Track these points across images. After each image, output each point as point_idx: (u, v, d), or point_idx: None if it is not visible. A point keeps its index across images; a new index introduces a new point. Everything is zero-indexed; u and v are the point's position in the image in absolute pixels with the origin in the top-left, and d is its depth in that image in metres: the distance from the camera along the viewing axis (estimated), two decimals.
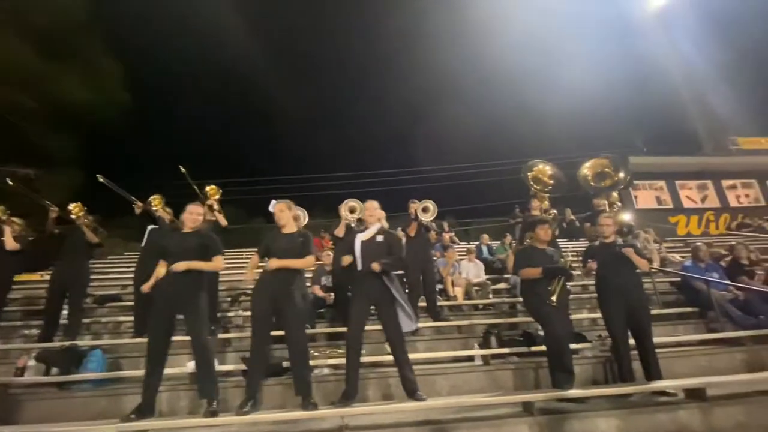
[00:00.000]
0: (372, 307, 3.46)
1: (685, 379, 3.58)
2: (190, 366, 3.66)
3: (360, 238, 3.46)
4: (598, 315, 4.09)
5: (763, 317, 4.67)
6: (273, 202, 4.83)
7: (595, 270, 3.79)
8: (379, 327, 3.47)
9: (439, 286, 5.95)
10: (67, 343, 4.17)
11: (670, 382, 3.45)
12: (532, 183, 5.64)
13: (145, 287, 3.26)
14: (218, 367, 3.89)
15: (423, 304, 5.15)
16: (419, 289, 5.09)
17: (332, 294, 5.10)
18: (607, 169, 6.14)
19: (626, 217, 7.57)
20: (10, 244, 4.70)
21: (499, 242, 8.75)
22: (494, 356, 4.26)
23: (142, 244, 5.14)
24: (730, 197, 16.24)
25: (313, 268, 5.33)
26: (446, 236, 8.02)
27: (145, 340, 4.47)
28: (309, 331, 4.71)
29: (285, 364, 3.87)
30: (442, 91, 31.95)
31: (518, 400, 3.24)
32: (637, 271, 3.79)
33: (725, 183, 16.35)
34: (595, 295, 3.99)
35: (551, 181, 5.57)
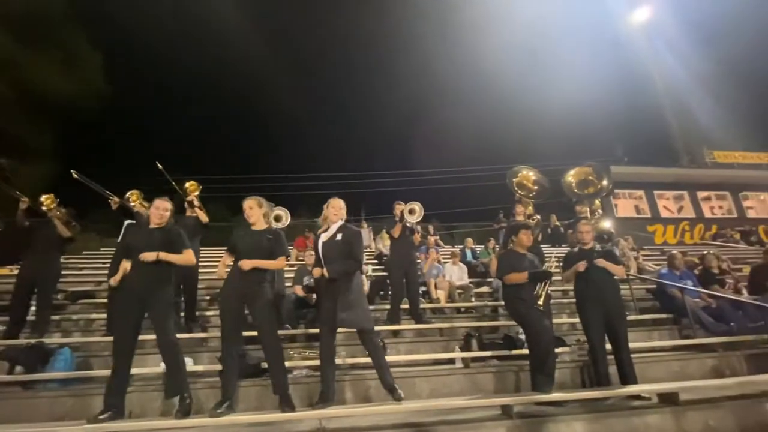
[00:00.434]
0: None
1: (659, 384, 3.65)
2: (163, 366, 3.55)
3: (321, 238, 3.39)
4: (577, 320, 4.15)
5: (734, 324, 4.82)
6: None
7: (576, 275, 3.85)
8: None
9: (422, 289, 5.96)
10: (33, 341, 3.99)
11: (645, 387, 3.51)
12: (516, 188, 5.71)
13: (113, 280, 3.16)
14: (194, 367, 3.81)
15: (406, 306, 5.14)
16: (402, 291, 5.07)
17: (314, 294, 5.03)
18: (590, 177, 6.28)
19: (606, 224, 7.75)
20: None
21: (482, 246, 8.83)
22: (475, 359, 4.27)
23: (119, 240, 4.98)
24: (705, 208, 16.81)
25: (294, 268, 5.25)
26: (431, 239, 8.05)
27: None
28: (289, 331, 4.66)
29: (263, 365, 3.80)
30: (432, 97, 32.38)
31: (497, 403, 3.24)
32: (615, 277, 3.86)
33: (700, 194, 16.93)
34: (575, 300, 4.05)
35: (535, 187, 5.65)
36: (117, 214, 5.09)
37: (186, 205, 5.09)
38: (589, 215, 6.37)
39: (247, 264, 3.09)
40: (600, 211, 6.90)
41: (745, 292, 5.52)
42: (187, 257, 3.19)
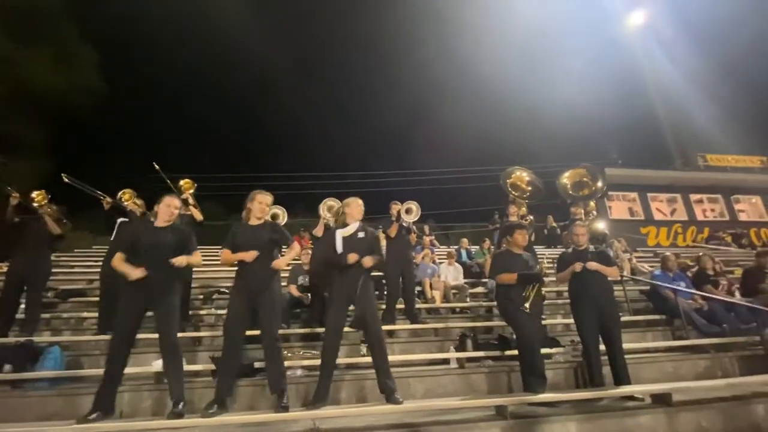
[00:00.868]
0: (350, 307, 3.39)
1: (652, 385, 3.67)
2: (156, 365, 3.51)
3: (341, 233, 3.38)
4: (572, 320, 4.16)
5: (726, 326, 4.86)
6: None
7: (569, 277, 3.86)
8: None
9: (417, 289, 5.95)
10: (22, 339, 3.93)
11: (638, 387, 3.53)
12: (510, 189, 5.72)
13: (136, 272, 2.90)
14: (188, 367, 3.76)
15: (401, 306, 5.12)
16: (398, 291, 5.06)
17: (309, 294, 5.01)
18: (585, 179, 6.31)
19: (600, 225, 7.80)
20: None
21: (477, 247, 8.84)
22: (469, 359, 4.26)
23: (111, 238, 4.92)
24: (697, 211, 16.99)
25: (289, 267, 5.22)
26: (426, 239, 8.05)
27: (107, 337, 4.32)
28: (284, 331, 4.62)
29: (257, 364, 3.77)
30: (430, 98, 32.32)
31: (491, 404, 3.24)
32: (609, 278, 3.88)
33: (693, 197, 17.11)
34: (569, 301, 4.06)
35: (529, 188, 5.67)
36: (108, 212, 5.05)
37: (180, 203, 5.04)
38: (583, 217, 6.41)
39: (282, 263, 3.19)
40: (594, 212, 6.93)
41: (738, 294, 5.57)
42: (197, 259, 3.20)
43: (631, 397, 3.50)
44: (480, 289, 6.76)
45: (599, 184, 6.05)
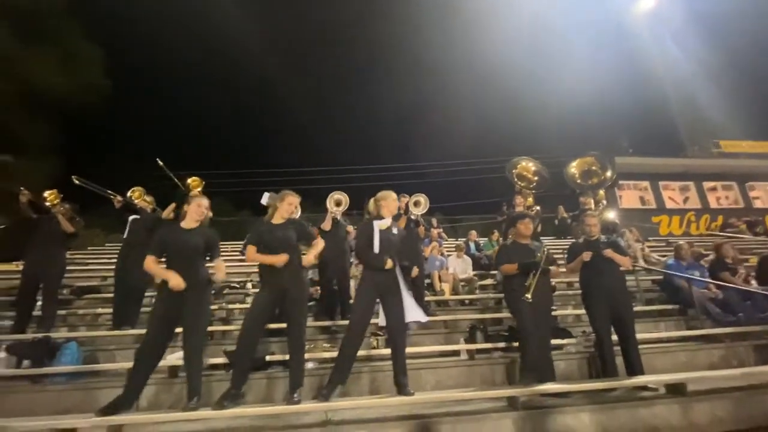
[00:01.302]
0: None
1: (666, 375, 3.63)
2: (171, 359, 3.57)
3: (378, 225, 3.37)
4: (583, 311, 4.13)
5: (741, 315, 4.77)
6: (266, 194, 4.73)
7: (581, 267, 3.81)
8: (374, 320, 3.43)
9: (426, 281, 5.94)
10: (39, 335, 4.02)
11: (652, 378, 3.49)
12: (516, 180, 5.66)
13: (177, 281, 2.91)
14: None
15: None
16: (407, 284, 5.05)
17: (318, 288, 5.03)
18: (594, 167, 6.22)
19: (611, 215, 7.69)
20: None
21: (486, 239, 8.78)
22: (479, 351, 4.26)
23: (124, 236, 4.99)
24: (711, 199, 16.67)
25: None
26: (434, 232, 8.01)
27: (122, 332, 4.40)
28: None
29: (268, 357, 3.81)
30: (436, 90, 32.05)
31: (502, 395, 3.24)
32: (621, 268, 3.83)
33: (706, 185, 16.77)
34: (580, 291, 4.02)
35: (535, 178, 5.61)
36: (120, 210, 5.13)
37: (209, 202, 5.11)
38: (593, 206, 6.32)
39: (311, 259, 3.21)
40: (604, 201, 6.83)
41: (754, 283, 5.45)
42: (223, 267, 3.28)
43: (644, 388, 3.47)
44: (489, 281, 6.73)
45: (608, 173, 5.96)
